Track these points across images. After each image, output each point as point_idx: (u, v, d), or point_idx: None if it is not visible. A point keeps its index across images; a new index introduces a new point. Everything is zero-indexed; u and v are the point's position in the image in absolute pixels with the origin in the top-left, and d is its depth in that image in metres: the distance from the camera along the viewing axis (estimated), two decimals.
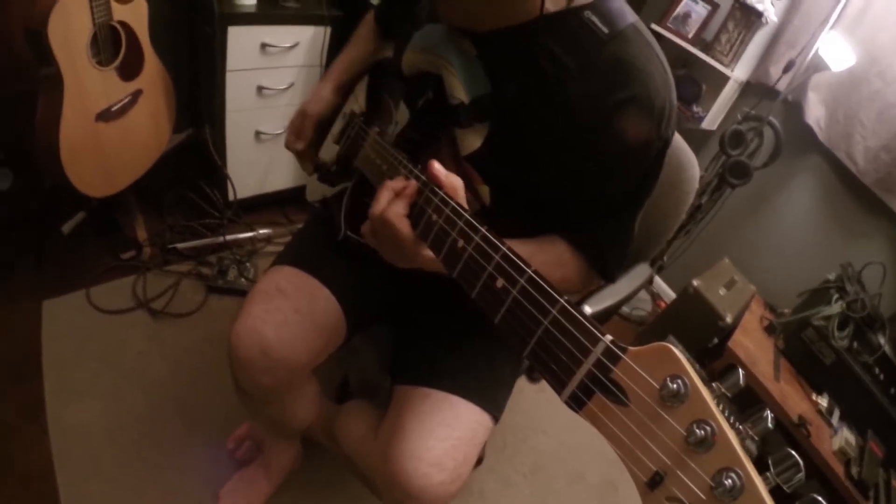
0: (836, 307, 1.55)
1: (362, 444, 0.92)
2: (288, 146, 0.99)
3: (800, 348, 1.66)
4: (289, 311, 0.82)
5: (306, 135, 0.96)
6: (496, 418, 0.85)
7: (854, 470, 1.40)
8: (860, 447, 1.49)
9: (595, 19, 0.64)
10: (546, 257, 0.73)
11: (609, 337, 0.39)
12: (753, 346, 1.68)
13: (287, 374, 0.84)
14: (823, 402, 1.59)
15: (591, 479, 1.52)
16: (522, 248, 0.70)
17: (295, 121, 0.97)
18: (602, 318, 1.04)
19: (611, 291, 1.01)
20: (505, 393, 0.90)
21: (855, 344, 1.56)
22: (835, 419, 1.57)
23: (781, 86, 1.73)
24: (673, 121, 0.67)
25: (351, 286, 0.88)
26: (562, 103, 0.65)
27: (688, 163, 1.12)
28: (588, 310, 0.99)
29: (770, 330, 1.77)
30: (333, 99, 0.97)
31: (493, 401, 0.84)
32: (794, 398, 1.58)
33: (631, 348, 0.38)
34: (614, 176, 0.69)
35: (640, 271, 1.15)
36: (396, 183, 0.62)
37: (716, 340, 1.76)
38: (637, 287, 1.13)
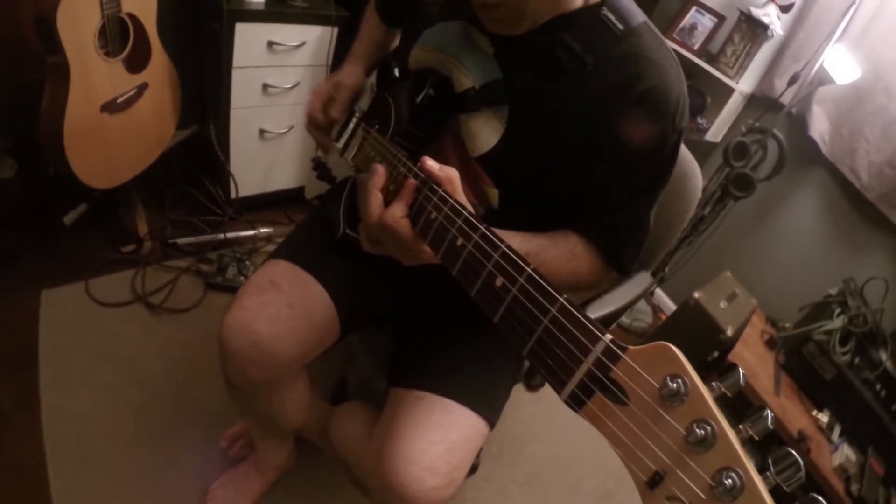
0: (837, 322, 1.54)
1: (356, 445, 0.91)
2: (312, 115, 0.92)
3: (801, 363, 1.65)
4: (281, 305, 0.81)
5: (339, 105, 0.90)
6: (492, 423, 0.83)
7: (854, 487, 1.39)
8: (860, 464, 1.47)
9: (611, 16, 0.65)
10: (557, 251, 0.73)
11: (609, 336, 0.39)
12: (754, 360, 1.67)
13: (277, 369, 0.83)
14: (824, 418, 1.58)
15: (588, 488, 1.50)
16: (533, 242, 0.70)
17: (323, 90, 0.91)
18: (603, 324, 1.03)
19: (612, 298, 1.01)
20: (502, 398, 0.88)
21: (857, 360, 1.55)
22: (835, 435, 1.55)
23: (786, 99, 1.73)
24: (686, 113, 0.69)
25: (346, 284, 0.87)
26: (580, 98, 0.66)
27: (691, 172, 1.12)
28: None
29: (771, 344, 1.76)
30: (364, 80, 0.94)
31: (489, 406, 0.83)
32: (795, 413, 1.57)
33: (631, 347, 0.38)
34: (630, 169, 0.70)
35: (642, 279, 1.15)
36: (377, 180, 0.61)
37: (716, 354, 1.75)
38: (638, 294, 1.12)
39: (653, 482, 0.34)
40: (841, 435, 1.56)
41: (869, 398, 1.50)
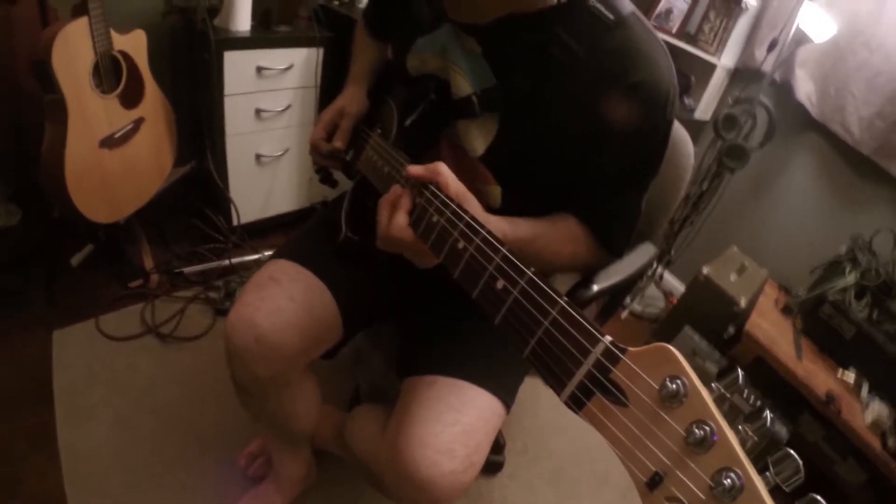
0: (850, 278, 1.53)
1: (371, 443, 0.89)
2: (315, 144, 0.91)
3: (819, 325, 1.63)
4: (281, 299, 0.81)
5: (343, 134, 0.89)
6: (508, 405, 0.82)
7: (891, 441, 1.35)
8: (894, 418, 1.43)
9: (600, 6, 0.66)
10: (558, 234, 0.74)
11: (608, 338, 0.39)
12: (772, 329, 1.65)
13: (282, 364, 0.83)
14: (850, 376, 1.54)
15: (616, 479, 1.46)
16: (535, 226, 0.71)
17: (328, 117, 0.91)
18: (612, 295, 1.03)
19: (618, 268, 1.01)
20: (516, 379, 0.87)
21: (874, 314, 1.52)
22: (864, 393, 1.51)
23: (768, 66, 1.76)
24: (676, 103, 0.70)
25: (348, 284, 0.87)
26: (572, 90, 0.66)
27: (681, 142, 1.14)
28: (596, 287, 0.98)
29: (787, 311, 1.74)
30: (367, 103, 0.94)
31: (502, 386, 0.82)
32: (820, 376, 1.54)
33: (630, 349, 0.38)
34: (622, 159, 0.70)
35: (645, 249, 1.15)
36: (391, 195, 0.63)
37: (732, 330, 1.73)
38: (644, 264, 1.12)
39: (652, 483, 0.34)
40: (870, 392, 1.52)
41: (892, 350, 1.46)
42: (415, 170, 0.59)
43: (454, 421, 0.74)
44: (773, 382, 1.51)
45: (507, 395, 0.82)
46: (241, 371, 0.84)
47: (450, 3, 0.72)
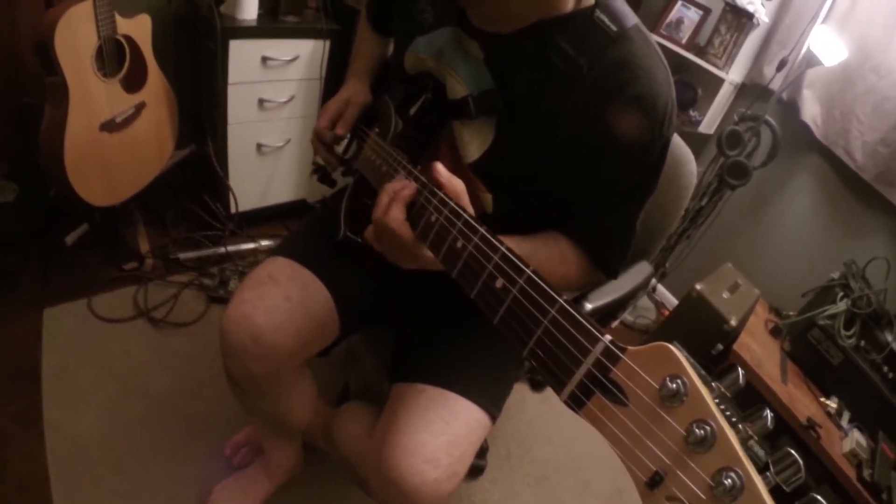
0: (841, 305, 1.53)
1: (358, 443, 0.91)
2: (320, 134, 0.92)
3: (806, 350, 1.63)
4: (279, 298, 0.82)
5: (347, 123, 0.91)
6: (494, 417, 0.83)
7: (866, 472, 1.36)
8: (871, 449, 1.44)
9: (604, 18, 0.65)
10: (548, 254, 0.73)
11: (608, 337, 0.39)
12: (759, 349, 1.65)
13: (277, 363, 0.84)
14: (832, 404, 1.55)
15: (599, 487, 1.48)
16: (524, 246, 0.71)
17: (334, 107, 0.92)
18: (605, 313, 1.03)
19: (613, 287, 1.01)
20: (504, 392, 0.88)
21: (862, 342, 1.53)
22: (844, 421, 1.53)
23: (776, 85, 1.74)
24: (674, 120, 0.69)
25: (345, 284, 0.88)
26: (571, 100, 0.66)
27: (684, 158, 1.13)
28: (589, 306, 0.99)
29: (776, 332, 1.75)
30: (370, 96, 0.96)
31: (491, 398, 0.83)
32: (803, 401, 1.55)
33: (630, 348, 0.38)
34: (617, 174, 0.70)
35: (641, 269, 1.15)
36: (396, 185, 0.62)
37: (720, 347, 1.73)
38: (639, 283, 1.12)
39: (653, 482, 0.34)
40: (851, 421, 1.53)
41: (877, 381, 1.47)
42: (441, 172, 0.59)
43: (441, 431, 0.76)
44: (755, 403, 1.52)
45: (493, 407, 0.83)
46: (236, 367, 0.85)
47: (474, 14, 0.72)
